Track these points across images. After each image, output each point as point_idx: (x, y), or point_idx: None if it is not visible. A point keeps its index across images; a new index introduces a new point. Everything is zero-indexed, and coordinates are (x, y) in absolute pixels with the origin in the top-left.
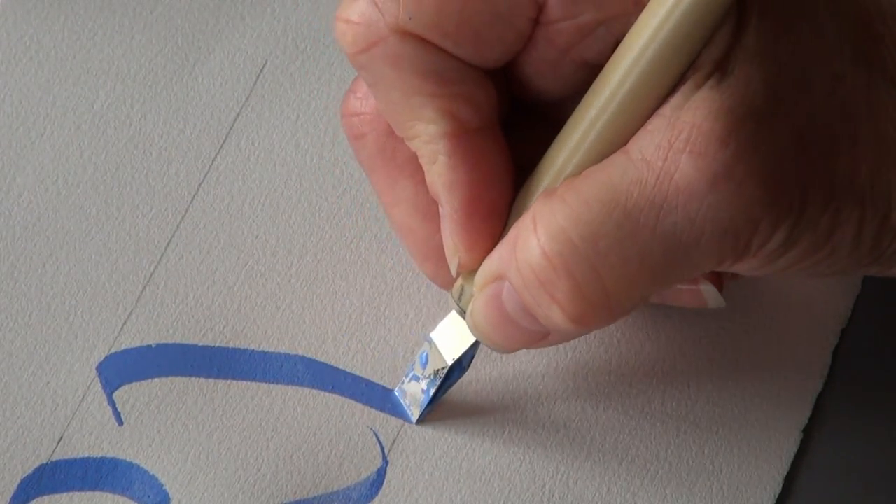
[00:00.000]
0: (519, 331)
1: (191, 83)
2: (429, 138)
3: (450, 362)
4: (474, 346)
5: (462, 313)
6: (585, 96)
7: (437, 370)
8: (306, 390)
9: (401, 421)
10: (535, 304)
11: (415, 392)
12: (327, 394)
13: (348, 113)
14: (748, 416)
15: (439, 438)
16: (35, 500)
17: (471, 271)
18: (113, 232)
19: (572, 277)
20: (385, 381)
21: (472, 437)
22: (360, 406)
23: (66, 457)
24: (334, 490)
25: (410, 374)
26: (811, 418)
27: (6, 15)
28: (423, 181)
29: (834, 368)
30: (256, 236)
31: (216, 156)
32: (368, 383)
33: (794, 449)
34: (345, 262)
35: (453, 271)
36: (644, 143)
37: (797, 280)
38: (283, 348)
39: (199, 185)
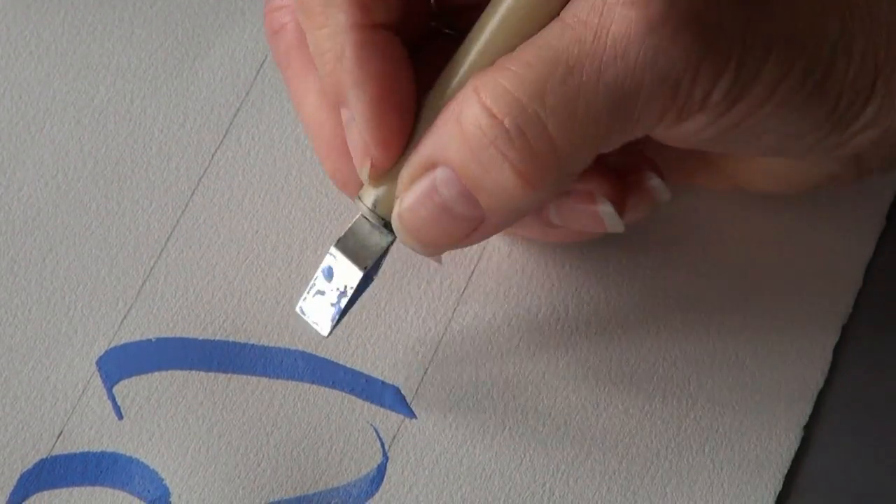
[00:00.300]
0: (453, 222)
1: (191, 78)
2: (337, 28)
3: (361, 273)
4: (384, 253)
5: (376, 220)
6: None
7: (348, 282)
8: (306, 385)
9: (401, 417)
10: (483, 171)
11: (321, 307)
12: (327, 389)
13: (270, 9)
14: (749, 413)
15: (440, 435)
16: (35, 495)
17: (384, 175)
18: (113, 226)
19: (522, 135)
20: (386, 377)
21: (473, 435)
22: (360, 402)
23: (65, 451)
24: (334, 486)
25: (314, 290)
26: (812, 415)
27: (6, 10)
28: None
29: (835, 365)
30: (256, 231)
31: (216, 150)
32: (369, 379)
33: (795, 446)
34: None
35: (364, 176)
36: (578, 7)
37: (797, 277)
38: (284, 343)
39: (200, 179)
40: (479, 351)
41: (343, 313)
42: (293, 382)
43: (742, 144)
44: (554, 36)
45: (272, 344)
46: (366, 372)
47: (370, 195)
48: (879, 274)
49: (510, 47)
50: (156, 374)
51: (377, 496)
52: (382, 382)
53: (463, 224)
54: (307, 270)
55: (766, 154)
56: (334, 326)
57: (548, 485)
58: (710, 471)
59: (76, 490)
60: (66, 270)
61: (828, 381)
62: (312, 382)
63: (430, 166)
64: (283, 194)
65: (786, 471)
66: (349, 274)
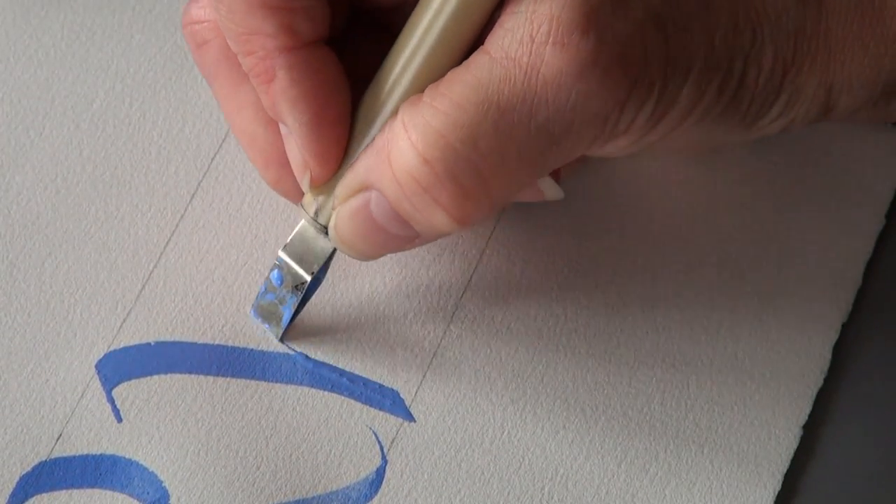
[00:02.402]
0: (387, 238)
1: (190, 82)
2: (265, 54)
3: (309, 277)
4: (330, 257)
5: (319, 227)
6: None
7: (297, 285)
8: (305, 389)
9: (400, 420)
10: (415, 210)
11: (273, 310)
12: (326, 393)
13: (190, 21)
14: (748, 414)
15: (439, 438)
16: (34, 498)
17: (324, 184)
18: (112, 230)
19: (455, 180)
20: (385, 381)
21: (472, 438)
22: (359, 405)
23: (65, 454)
24: (333, 489)
25: (264, 295)
26: (811, 415)
27: (5, 14)
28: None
29: (834, 364)
30: (255, 235)
31: (215, 155)
32: (368, 382)
33: (795, 446)
34: (344, 262)
35: (305, 187)
36: (505, 40)
37: (797, 276)
38: (282, 347)
39: (199, 183)
40: (477, 355)
41: (293, 317)
42: (292, 386)
43: (659, 151)
44: (483, 71)
45: (271, 348)
46: (365, 375)
47: (312, 204)
48: (879, 273)
49: (439, 64)
50: (155, 377)
51: (376, 499)
52: (381, 386)
53: (396, 240)
54: None
55: (679, 154)
56: (285, 330)
57: (546, 488)
58: (710, 472)
59: (75, 492)
60: (65, 274)
61: (827, 381)
62: (311, 386)
63: (364, 188)
64: (281, 199)
65: (785, 471)
66: (297, 278)
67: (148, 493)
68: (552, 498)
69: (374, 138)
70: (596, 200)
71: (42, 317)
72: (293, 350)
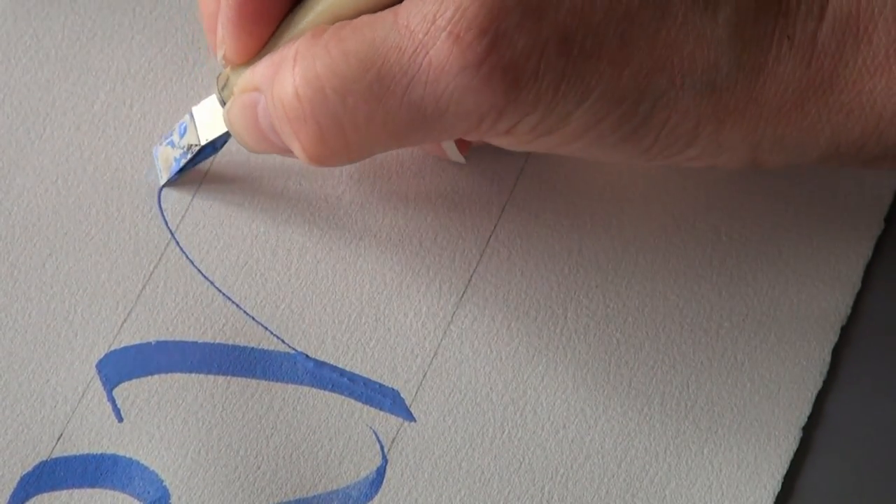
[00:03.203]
0: (267, 141)
1: (190, 83)
2: None
3: (202, 143)
4: (227, 135)
5: (222, 102)
6: None
7: (191, 145)
8: (306, 389)
9: (401, 420)
10: (282, 133)
11: (168, 157)
12: (327, 392)
13: None
14: (748, 415)
15: (439, 438)
16: (35, 498)
17: (237, 67)
18: (113, 230)
19: (317, 124)
20: (385, 380)
21: (472, 438)
22: (359, 405)
23: (66, 454)
24: (334, 489)
25: (168, 140)
26: (811, 416)
27: (6, 15)
28: None
29: (834, 366)
30: (256, 235)
31: (216, 155)
32: (368, 382)
33: (794, 447)
34: (344, 261)
35: (219, 59)
36: (413, 10)
37: (796, 279)
38: (283, 346)
39: (199, 183)
40: (478, 354)
41: (181, 171)
42: (292, 386)
43: (563, 155)
44: (381, 31)
45: (271, 347)
46: (365, 375)
47: (222, 80)
48: (878, 275)
49: (356, 4)
50: (155, 376)
51: (376, 499)
52: (382, 385)
53: (274, 147)
54: (306, 274)
55: (593, 161)
56: (170, 179)
57: (546, 488)
58: (709, 472)
59: (76, 492)
60: (66, 274)
61: (826, 382)
62: (312, 386)
63: (256, 90)
64: (282, 198)
65: (784, 472)
66: (192, 139)
67: (148, 493)
68: (552, 498)
69: (279, 49)
70: (596, 200)
71: (43, 317)
72: (294, 349)
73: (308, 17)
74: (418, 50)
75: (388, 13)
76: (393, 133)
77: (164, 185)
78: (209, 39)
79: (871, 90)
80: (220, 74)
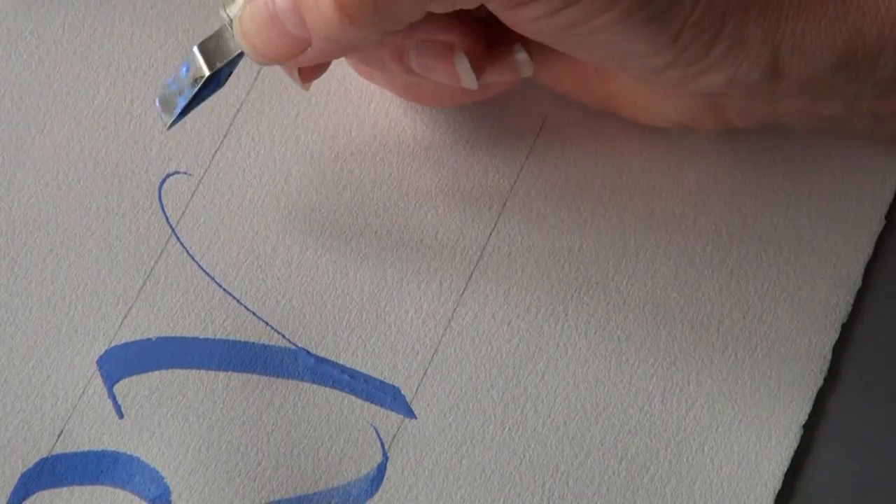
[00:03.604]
0: (282, 36)
1: None
2: None
3: (209, 72)
4: (233, 63)
5: (230, 22)
6: None
7: (196, 78)
8: (307, 385)
9: (401, 417)
10: None
11: (171, 99)
12: (328, 389)
13: None
14: (748, 413)
15: (440, 435)
16: (35, 495)
17: None
18: (113, 226)
19: None
20: (386, 377)
21: (473, 435)
22: (360, 401)
23: (66, 450)
24: (334, 486)
25: (171, 83)
26: (811, 414)
27: (6, 10)
28: None
29: (834, 364)
30: (257, 231)
31: (216, 151)
32: (369, 378)
33: (795, 445)
34: (345, 258)
35: None
36: None
37: (797, 276)
38: (284, 342)
39: (200, 180)
40: (479, 351)
41: (186, 109)
42: (293, 382)
43: (585, 49)
44: None
45: (272, 343)
46: (366, 372)
47: (232, 7)
48: (879, 273)
49: None
50: (156, 373)
51: (377, 496)
52: (382, 382)
53: (290, 40)
54: (307, 270)
55: (609, 65)
56: (175, 120)
57: (547, 485)
58: (710, 470)
59: (77, 489)
60: (66, 270)
61: (827, 381)
62: (313, 382)
63: None
64: (282, 194)
65: (785, 470)
66: (198, 72)
67: (149, 489)
68: (553, 495)
69: None
70: (596, 199)
71: (43, 313)
72: (295, 345)
73: None
74: None
75: None
76: None
77: (170, 126)
78: None
79: None
80: (224, 5)
